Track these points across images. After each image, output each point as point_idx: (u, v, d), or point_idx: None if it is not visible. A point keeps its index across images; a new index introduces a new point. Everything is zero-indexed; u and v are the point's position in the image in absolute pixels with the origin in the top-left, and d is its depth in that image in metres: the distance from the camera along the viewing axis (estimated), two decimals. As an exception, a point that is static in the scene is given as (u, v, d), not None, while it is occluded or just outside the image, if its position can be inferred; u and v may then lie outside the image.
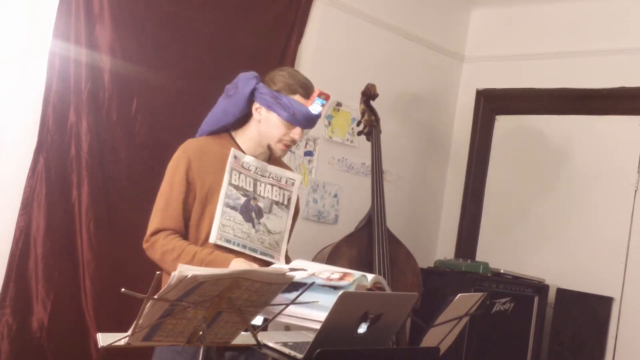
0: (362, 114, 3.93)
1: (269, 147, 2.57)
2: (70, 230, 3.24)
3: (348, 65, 4.33)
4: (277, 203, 2.60)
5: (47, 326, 3.16)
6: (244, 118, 2.58)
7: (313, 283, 1.95)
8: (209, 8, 3.67)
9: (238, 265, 2.33)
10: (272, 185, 2.60)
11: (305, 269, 2.28)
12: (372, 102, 3.95)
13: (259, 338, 1.91)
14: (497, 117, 4.96)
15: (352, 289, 2.16)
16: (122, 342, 1.71)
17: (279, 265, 2.44)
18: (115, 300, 3.18)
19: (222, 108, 2.57)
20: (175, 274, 1.61)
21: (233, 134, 2.59)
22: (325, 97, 2.53)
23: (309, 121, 2.54)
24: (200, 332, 1.77)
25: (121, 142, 3.39)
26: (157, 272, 1.68)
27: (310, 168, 4.18)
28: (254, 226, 2.52)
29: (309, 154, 4.17)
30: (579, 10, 4.60)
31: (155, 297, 1.63)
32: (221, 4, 3.72)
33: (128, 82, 3.38)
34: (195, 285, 1.64)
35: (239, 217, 2.49)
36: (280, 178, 2.62)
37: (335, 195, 4.31)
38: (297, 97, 2.52)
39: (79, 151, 3.24)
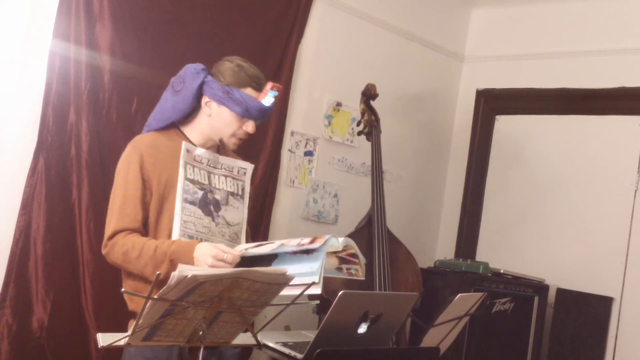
0: (362, 114, 3.93)
1: (221, 141, 2.53)
2: (70, 230, 3.24)
3: (348, 65, 4.33)
4: (232, 194, 2.56)
5: (47, 326, 3.16)
6: (192, 111, 2.53)
7: (313, 283, 1.94)
8: (209, 8, 3.66)
9: (205, 249, 2.24)
10: (226, 176, 2.56)
11: (273, 242, 2.26)
12: (372, 102, 3.95)
13: (258, 338, 1.91)
14: (497, 117, 4.96)
15: (324, 250, 2.12)
16: (122, 342, 1.71)
17: (244, 244, 2.40)
18: (115, 300, 3.17)
19: (171, 105, 2.51)
20: (175, 274, 1.61)
21: (182, 128, 2.54)
22: (277, 89, 2.50)
23: (263, 114, 2.50)
24: (200, 332, 1.77)
25: (121, 142, 3.37)
26: (157, 272, 1.68)
27: (310, 168, 4.18)
28: (213, 219, 2.48)
29: (309, 154, 4.17)
30: (579, 10, 4.60)
31: (155, 297, 1.63)
32: (221, 4, 3.71)
33: (128, 82, 3.38)
34: (195, 285, 1.64)
35: (198, 211, 2.44)
36: (232, 168, 2.59)
37: (335, 195, 4.31)
38: (249, 91, 2.47)
39: (79, 151, 3.24)
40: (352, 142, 4.37)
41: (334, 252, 2.23)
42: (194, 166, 2.47)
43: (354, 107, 4.21)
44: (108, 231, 2.39)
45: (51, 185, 3.16)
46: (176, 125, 2.54)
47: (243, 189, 2.60)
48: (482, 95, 4.99)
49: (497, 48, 4.96)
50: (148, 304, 1.64)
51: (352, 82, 4.22)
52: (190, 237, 2.40)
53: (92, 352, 3.28)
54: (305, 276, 2.01)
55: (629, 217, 4.30)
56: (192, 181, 2.45)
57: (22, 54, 3.11)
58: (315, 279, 2.06)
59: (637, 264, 4.24)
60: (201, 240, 2.40)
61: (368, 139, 3.92)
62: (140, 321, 1.67)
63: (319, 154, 4.22)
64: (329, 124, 4.26)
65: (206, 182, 2.49)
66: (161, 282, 1.69)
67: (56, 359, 3.19)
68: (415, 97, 4.80)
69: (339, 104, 4.29)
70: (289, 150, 4.06)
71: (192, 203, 2.43)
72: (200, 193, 2.46)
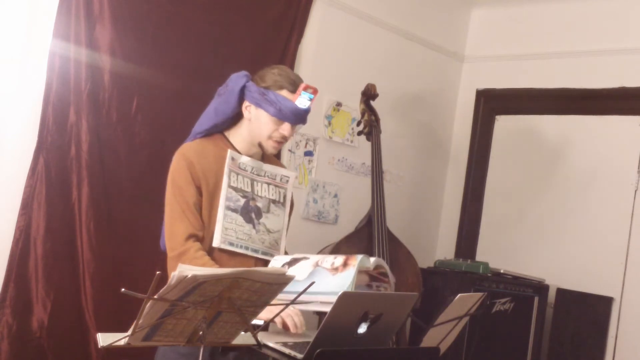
0: (362, 114, 3.93)
1: (260, 145, 2.54)
2: (70, 230, 3.24)
3: (348, 65, 4.33)
4: (274, 202, 2.60)
5: (47, 326, 3.16)
6: (236, 118, 2.56)
7: (313, 283, 1.95)
8: (209, 8, 3.67)
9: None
10: (269, 184, 2.59)
11: (307, 257, 2.30)
12: (372, 102, 3.95)
13: (258, 338, 1.91)
14: (497, 117, 4.96)
15: (355, 273, 2.18)
16: (122, 342, 1.71)
17: (281, 257, 2.44)
18: (115, 300, 3.18)
19: (213, 107, 2.55)
20: (175, 274, 1.61)
21: (226, 134, 2.57)
22: (312, 90, 2.50)
23: (297, 116, 2.51)
24: (200, 332, 1.77)
25: (121, 142, 3.39)
26: (157, 272, 1.68)
27: (310, 168, 4.18)
28: (254, 227, 2.52)
29: (309, 154, 4.17)
30: (579, 10, 4.60)
31: (155, 297, 1.63)
32: (221, 4, 3.71)
33: (128, 82, 3.38)
34: (195, 285, 1.64)
35: (240, 219, 2.48)
36: (275, 176, 2.62)
37: (335, 195, 4.31)
38: (285, 93, 2.49)
39: (79, 151, 3.24)
40: (352, 142, 4.37)
41: (365, 270, 2.27)
42: (237, 174, 2.51)
43: (354, 107, 4.21)
44: (182, 233, 2.38)
45: (51, 185, 3.16)
46: (221, 131, 2.57)
47: (284, 197, 2.63)
48: (482, 95, 4.99)
49: (497, 48, 4.96)
50: (148, 304, 1.64)
51: (352, 82, 4.22)
52: (231, 243, 2.45)
53: (92, 352, 3.28)
54: (334, 295, 2.04)
55: (629, 217, 4.30)
56: (235, 189, 2.49)
57: (22, 54, 3.11)
58: None
59: (637, 264, 4.24)
60: (241, 247, 2.46)
61: (368, 139, 3.92)
62: (140, 321, 1.67)
63: (319, 154, 4.22)
64: (329, 124, 4.26)
65: (249, 189, 2.53)
66: None
67: (56, 359, 3.19)
68: (415, 97, 4.80)
69: (339, 104, 4.30)
70: (289, 150, 4.06)
71: (234, 210, 2.47)
72: (242, 201, 2.50)
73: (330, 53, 4.24)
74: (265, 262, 2.51)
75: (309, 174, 4.18)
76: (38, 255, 3.14)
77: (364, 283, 2.27)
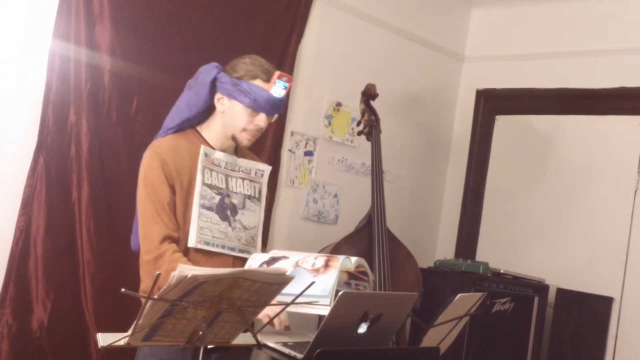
0: (362, 114, 3.93)
1: (234, 138, 2.49)
2: (70, 230, 3.24)
3: (348, 65, 4.33)
4: (249, 197, 2.55)
5: (47, 326, 3.16)
6: (208, 111, 2.51)
7: (313, 283, 1.95)
8: (209, 8, 3.67)
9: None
10: (243, 179, 2.55)
11: (287, 256, 2.27)
12: (372, 102, 3.95)
13: (258, 338, 1.91)
14: (497, 117, 4.96)
15: (337, 273, 2.15)
16: (122, 342, 1.71)
17: (259, 255, 2.40)
18: (115, 300, 3.17)
19: (184, 101, 2.50)
20: (175, 274, 1.61)
21: (198, 128, 2.53)
22: (287, 79, 2.46)
23: (272, 105, 2.45)
24: (200, 332, 1.77)
25: (121, 142, 3.38)
26: (157, 272, 1.68)
27: (310, 168, 4.18)
28: (230, 224, 2.47)
29: (309, 154, 4.17)
30: (579, 10, 4.60)
31: (155, 297, 1.63)
32: (221, 4, 3.72)
33: (128, 82, 3.38)
34: (195, 285, 1.64)
35: (215, 217, 2.44)
36: (250, 170, 2.58)
37: (335, 195, 4.31)
38: (258, 82, 2.45)
39: (79, 151, 3.24)
40: (352, 142, 4.37)
41: (346, 269, 2.25)
42: (212, 170, 2.46)
43: (354, 107, 4.20)
44: (157, 235, 2.33)
45: (51, 185, 3.16)
46: (194, 126, 2.53)
47: (260, 191, 2.59)
48: (482, 95, 4.99)
49: (497, 48, 4.96)
50: (148, 304, 1.64)
51: (352, 82, 4.22)
52: (207, 243, 2.41)
53: (92, 352, 3.28)
54: (316, 297, 2.03)
55: (629, 217, 4.30)
56: (210, 186, 2.44)
57: (22, 54, 3.11)
58: (327, 301, 2.09)
59: (637, 264, 4.24)
60: (218, 246, 2.42)
61: (368, 139, 3.92)
62: (140, 321, 1.67)
63: (319, 154, 4.22)
64: (329, 124, 4.26)
65: (224, 186, 2.48)
66: None
67: (56, 359, 3.19)
68: (415, 97, 4.80)
69: (339, 104, 4.30)
70: (289, 150, 4.06)
71: (209, 209, 2.43)
72: (217, 198, 2.45)
73: (330, 53, 4.24)
74: (243, 261, 2.45)
75: (309, 174, 4.17)
76: (38, 255, 3.14)
77: (342, 281, 2.24)
